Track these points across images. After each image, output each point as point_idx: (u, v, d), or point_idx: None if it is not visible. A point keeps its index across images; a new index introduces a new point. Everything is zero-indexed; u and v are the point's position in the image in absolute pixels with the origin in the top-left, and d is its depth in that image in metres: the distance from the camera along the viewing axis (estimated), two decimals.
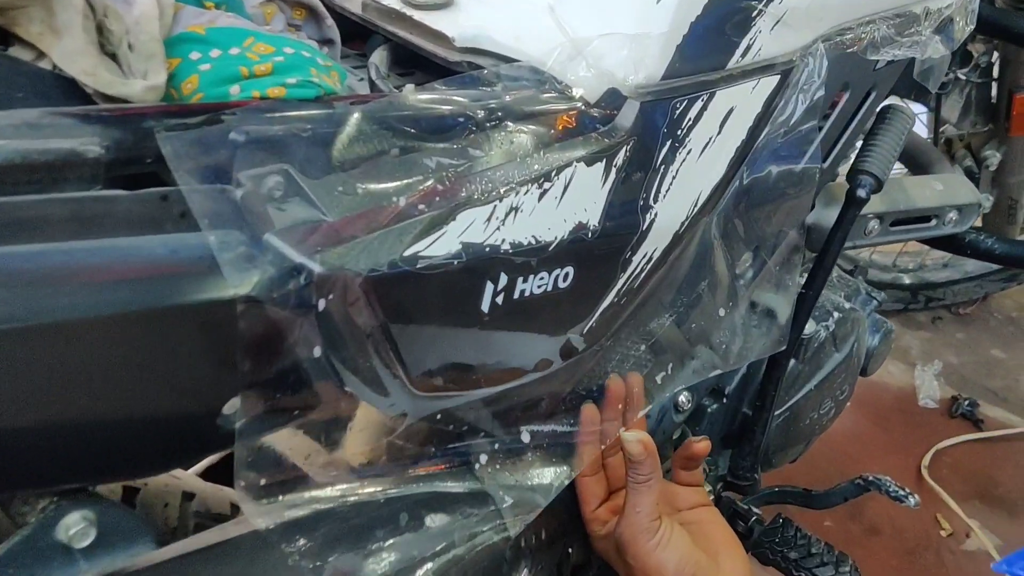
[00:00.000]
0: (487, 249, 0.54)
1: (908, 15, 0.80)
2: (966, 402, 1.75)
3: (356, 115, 0.48)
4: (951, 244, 1.04)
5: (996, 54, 1.51)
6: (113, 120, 0.44)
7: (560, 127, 0.59)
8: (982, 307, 2.06)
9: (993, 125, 1.52)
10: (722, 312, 0.79)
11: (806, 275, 0.88)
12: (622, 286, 0.67)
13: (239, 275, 0.45)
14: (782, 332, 0.83)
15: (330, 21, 0.59)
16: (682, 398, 0.86)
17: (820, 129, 0.79)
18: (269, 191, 0.46)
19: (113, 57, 0.46)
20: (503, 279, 0.57)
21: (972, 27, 0.90)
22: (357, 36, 0.71)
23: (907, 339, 1.96)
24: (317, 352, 0.49)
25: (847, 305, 0.99)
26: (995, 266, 1.91)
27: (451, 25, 0.64)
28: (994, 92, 1.55)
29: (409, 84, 0.56)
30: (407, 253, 0.50)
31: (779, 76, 0.71)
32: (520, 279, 0.58)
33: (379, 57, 0.66)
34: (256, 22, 0.54)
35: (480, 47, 0.63)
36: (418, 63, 0.66)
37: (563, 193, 0.57)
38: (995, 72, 1.54)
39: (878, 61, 0.79)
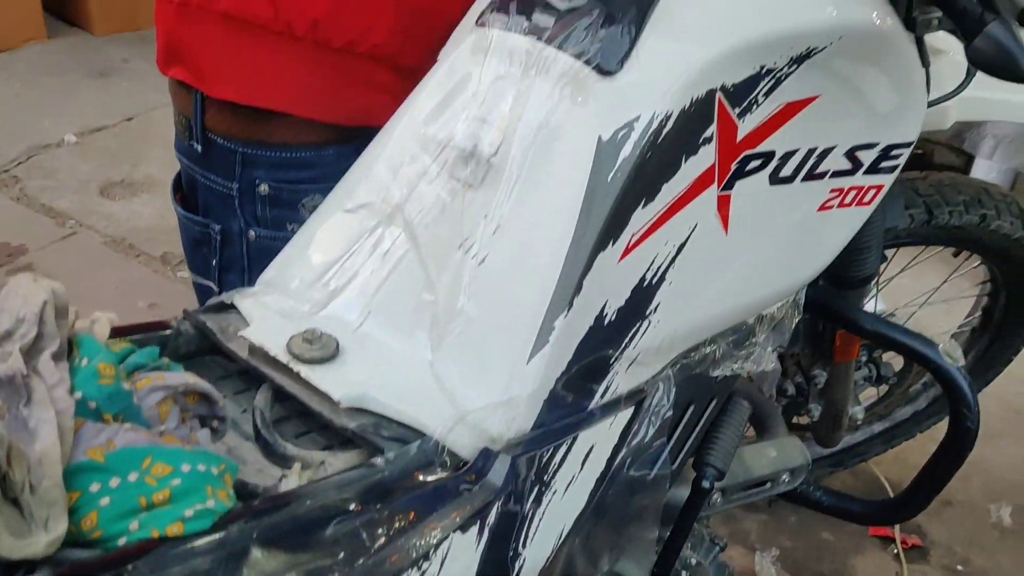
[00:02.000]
0: None
1: (745, 328, 0.90)
2: None
3: (250, 541, 0.51)
4: (785, 496, 1.14)
5: None
6: None
7: (436, 494, 0.64)
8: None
9: (819, 351, 1.69)
10: None
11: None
12: None
13: None
14: None
15: (221, 403, 0.62)
16: None
17: (669, 439, 0.87)
18: None
19: (15, 502, 0.47)
20: None
21: (800, 315, 1.02)
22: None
23: (747, 523, 2.08)
24: None
25: (694, 561, 1.06)
26: (824, 451, 2.06)
27: (335, 381, 0.68)
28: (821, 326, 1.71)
29: (294, 468, 0.60)
30: None
31: (634, 407, 0.79)
32: None
33: (263, 401, 0.69)
34: (153, 423, 0.57)
35: (364, 407, 0.67)
36: (303, 410, 0.69)
37: (440, 570, 0.61)
38: None
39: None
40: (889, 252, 1.46)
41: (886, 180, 0.91)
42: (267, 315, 0.73)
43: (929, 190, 1.36)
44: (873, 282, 1.29)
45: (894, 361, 1.62)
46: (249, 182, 1.04)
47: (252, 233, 1.06)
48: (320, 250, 0.76)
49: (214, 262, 1.09)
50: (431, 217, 0.73)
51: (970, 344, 1.75)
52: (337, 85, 1.00)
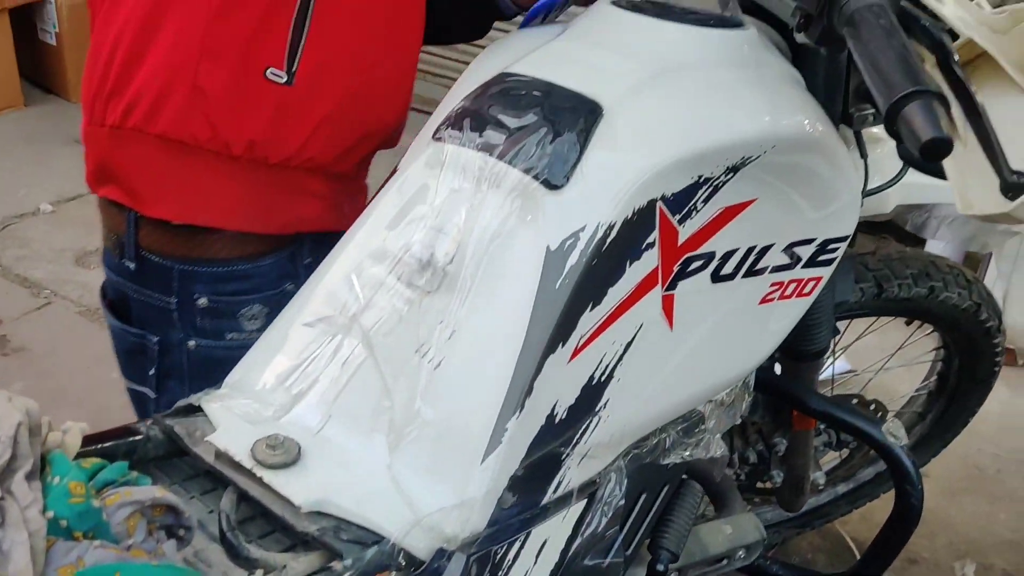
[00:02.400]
0: None
1: (695, 415, 0.94)
2: None
3: None
4: (743, 571, 1.17)
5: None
6: None
7: None
8: (780, 549, 2.23)
9: (778, 420, 1.74)
10: None
11: None
12: None
13: None
14: None
15: (187, 513, 0.65)
16: None
17: (621, 527, 0.90)
18: None
19: None
20: None
21: (751, 395, 1.07)
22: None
23: None
24: None
25: None
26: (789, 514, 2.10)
27: (297, 486, 0.71)
28: None
29: (257, 574, 0.63)
30: None
31: (586, 499, 0.82)
32: None
33: (228, 504, 0.73)
34: (121, 537, 0.60)
35: (325, 511, 0.71)
36: (267, 512, 0.72)
37: None
38: None
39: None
40: (843, 323, 1.52)
41: (824, 272, 0.96)
42: (232, 419, 0.76)
43: (878, 265, 1.42)
44: (827, 354, 1.34)
45: None
46: (187, 296, 1.04)
47: (192, 343, 1.06)
48: (284, 355, 0.80)
49: (152, 371, 1.09)
50: (389, 324, 0.77)
51: (928, 407, 1.80)
52: (272, 198, 1.03)
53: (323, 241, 1.02)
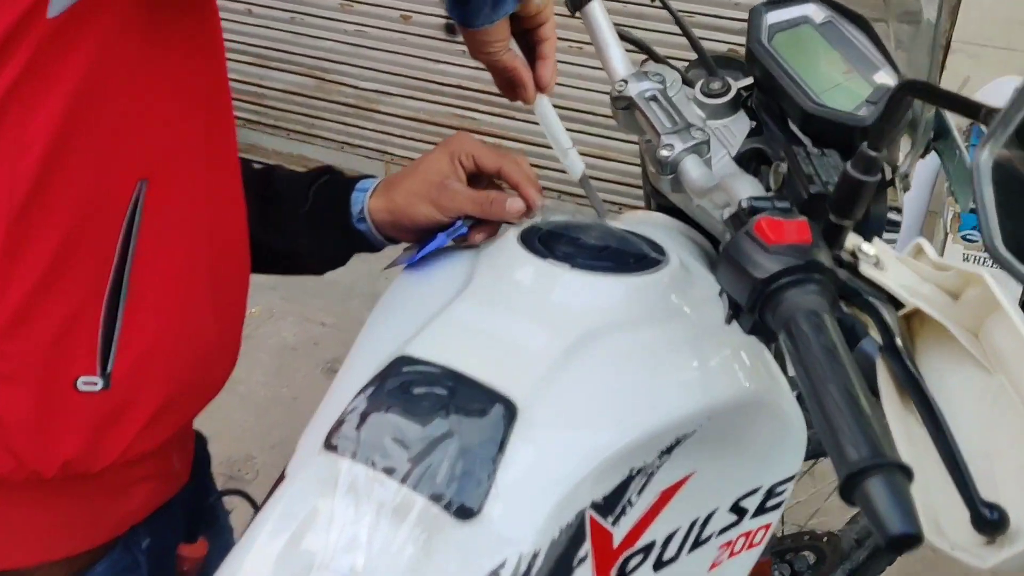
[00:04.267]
0: None
1: None
2: None
3: None
4: None
5: None
6: None
7: None
8: None
9: None
10: None
11: None
12: None
13: None
14: None
15: None
16: None
17: None
18: None
19: None
20: None
21: None
22: None
23: None
24: None
25: None
26: None
27: None
28: None
29: None
30: None
31: None
32: None
33: None
34: None
35: None
36: None
37: None
38: None
39: None
40: None
41: (773, 518, 0.87)
42: None
43: None
44: None
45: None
46: None
47: None
48: None
49: None
50: None
51: None
52: (95, 509, 0.87)
53: (157, 515, 0.91)
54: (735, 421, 0.79)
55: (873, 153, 0.65)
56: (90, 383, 0.77)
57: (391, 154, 3.45)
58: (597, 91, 2.97)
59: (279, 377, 2.69)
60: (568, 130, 0.93)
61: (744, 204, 0.69)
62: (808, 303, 0.62)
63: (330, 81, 3.43)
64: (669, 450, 0.74)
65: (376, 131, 3.44)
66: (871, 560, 1.74)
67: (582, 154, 0.95)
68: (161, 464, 0.92)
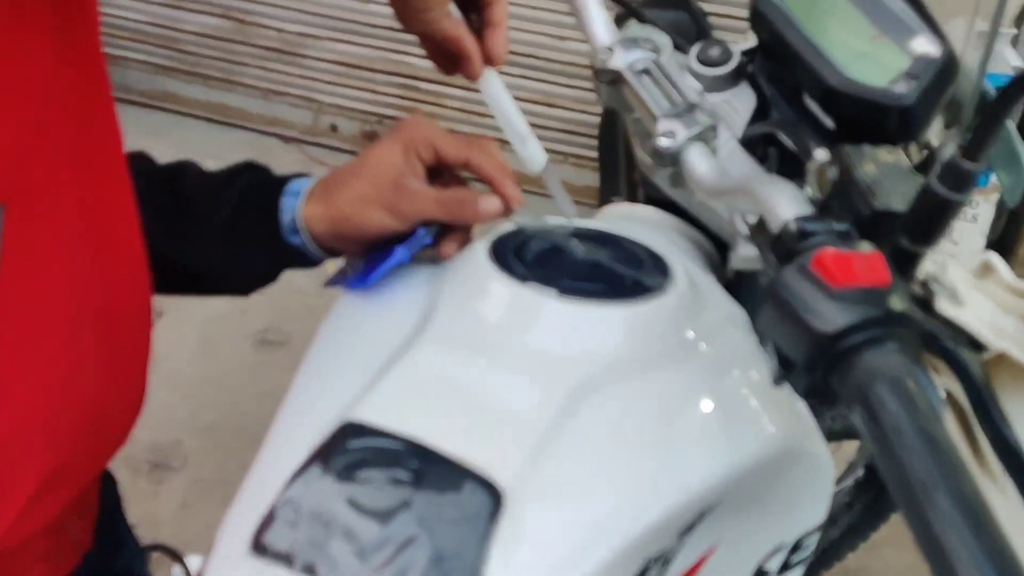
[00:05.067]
0: None
1: None
2: None
3: None
4: None
5: None
6: None
7: None
8: None
9: None
10: None
11: None
12: None
13: None
14: None
15: None
16: None
17: None
18: None
19: None
20: None
21: None
22: None
23: None
24: None
25: None
26: None
27: None
28: None
29: None
30: None
31: None
32: None
33: None
34: None
35: None
36: None
37: None
38: None
39: None
40: None
41: (799, 572, 0.74)
42: None
43: None
44: None
45: None
46: None
47: None
48: None
49: None
50: None
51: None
52: None
53: None
54: (763, 477, 0.64)
55: (969, 165, 0.50)
56: None
57: (319, 102, 3.21)
58: (540, 33, 2.78)
59: (206, 352, 2.49)
60: (505, 75, 0.75)
61: (792, 227, 0.53)
62: (891, 367, 0.47)
63: (251, 23, 3.16)
64: (691, 527, 0.59)
65: (302, 77, 3.19)
66: None
67: (521, 100, 0.77)
68: (54, 541, 0.74)
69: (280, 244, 0.76)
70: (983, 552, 0.40)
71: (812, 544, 0.74)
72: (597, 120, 1.89)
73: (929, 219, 0.53)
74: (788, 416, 0.66)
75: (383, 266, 0.69)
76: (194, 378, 2.41)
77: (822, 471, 0.71)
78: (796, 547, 0.72)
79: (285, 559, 0.54)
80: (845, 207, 0.59)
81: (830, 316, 0.48)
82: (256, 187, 0.77)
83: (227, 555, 0.57)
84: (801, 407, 0.71)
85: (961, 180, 0.51)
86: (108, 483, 0.88)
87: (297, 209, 0.75)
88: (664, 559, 0.58)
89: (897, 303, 0.48)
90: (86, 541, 0.81)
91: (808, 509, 0.72)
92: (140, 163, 0.76)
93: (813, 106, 0.75)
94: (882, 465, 0.45)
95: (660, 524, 0.57)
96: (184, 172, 0.80)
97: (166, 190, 0.77)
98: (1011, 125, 0.78)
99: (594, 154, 2.65)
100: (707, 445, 0.60)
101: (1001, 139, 0.80)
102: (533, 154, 0.76)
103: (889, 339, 0.48)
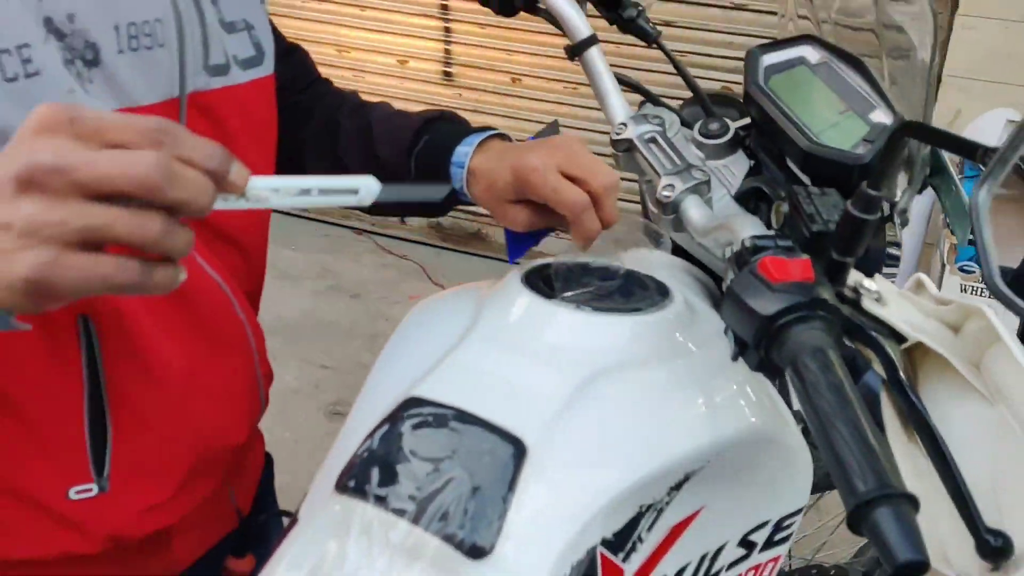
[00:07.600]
0: None
1: None
2: None
3: None
4: None
5: None
6: None
7: None
8: None
9: None
10: None
11: None
12: None
13: None
14: None
15: None
16: None
17: None
18: None
19: None
20: None
21: None
22: None
23: None
24: None
25: None
26: None
27: None
28: None
29: None
30: None
31: None
32: None
33: None
34: None
35: None
36: None
37: None
38: None
39: None
40: None
41: (781, 551, 0.88)
42: None
43: None
44: None
45: None
46: None
47: None
48: None
49: None
50: None
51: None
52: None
53: None
54: (743, 456, 0.79)
55: (873, 192, 0.67)
56: (84, 490, 0.80)
57: None
58: (596, 131, 3.01)
59: (281, 421, 2.69)
60: None
61: (747, 243, 0.70)
62: (813, 340, 0.63)
63: None
64: (678, 486, 0.74)
65: None
66: None
67: None
68: (211, 508, 0.93)
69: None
70: (865, 458, 0.55)
71: (795, 526, 0.87)
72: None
73: (851, 236, 0.69)
74: (765, 410, 0.81)
75: (523, 247, 0.95)
76: (270, 443, 2.60)
77: (799, 461, 0.85)
78: (779, 526, 0.86)
79: (361, 493, 0.71)
80: (793, 232, 0.76)
81: (769, 303, 0.65)
82: (430, 155, 0.97)
83: (316, 496, 0.75)
84: (783, 408, 0.86)
85: (869, 204, 0.67)
86: (267, 462, 1.08)
87: (463, 180, 0.96)
88: (656, 509, 0.73)
89: (820, 293, 0.65)
90: (244, 509, 1.00)
91: (788, 493, 0.86)
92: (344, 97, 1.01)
93: (794, 167, 0.93)
94: (804, 411, 0.61)
95: (651, 478, 0.72)
96: (374, 129, 1.00)
97: (365, 145, 0.99)
98: (957, 181, 0.94)
99: None
100: (691, 422, 0.76)
101: (952, 195, 0.96)
102: None
103: (813, 319, 0.64)
